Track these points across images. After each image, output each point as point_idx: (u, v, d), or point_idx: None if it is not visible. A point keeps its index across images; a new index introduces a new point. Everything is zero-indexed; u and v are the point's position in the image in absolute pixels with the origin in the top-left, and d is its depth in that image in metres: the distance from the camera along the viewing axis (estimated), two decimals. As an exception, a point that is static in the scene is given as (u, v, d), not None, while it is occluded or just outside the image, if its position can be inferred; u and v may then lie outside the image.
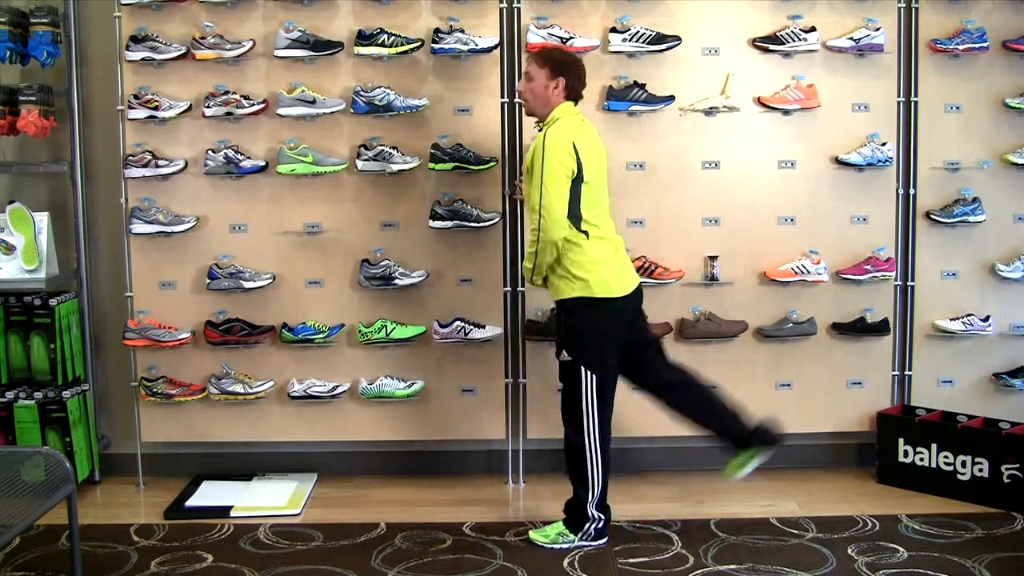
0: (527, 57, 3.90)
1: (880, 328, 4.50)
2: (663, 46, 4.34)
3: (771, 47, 4.38)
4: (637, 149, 4.43)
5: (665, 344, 4.14)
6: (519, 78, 4.33)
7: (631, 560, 3.66)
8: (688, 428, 3.93)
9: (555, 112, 3.72)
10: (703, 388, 3.94)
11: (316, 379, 4.45)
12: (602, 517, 3.77)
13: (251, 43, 4.31)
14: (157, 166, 4.33)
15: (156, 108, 4.31)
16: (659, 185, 4.45)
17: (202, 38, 4.30)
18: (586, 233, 3.64)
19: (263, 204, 4.43)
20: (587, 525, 3.76)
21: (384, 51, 4.28)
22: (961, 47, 4.38)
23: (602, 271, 3.66)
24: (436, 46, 4.29)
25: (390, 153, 4.31)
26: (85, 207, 4.51)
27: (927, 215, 4.49)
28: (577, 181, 3.61)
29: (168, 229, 4.35)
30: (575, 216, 3.62)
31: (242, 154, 4.35)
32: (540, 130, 3.76)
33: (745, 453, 3.80)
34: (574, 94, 3.76)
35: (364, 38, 4.29)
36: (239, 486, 4.44)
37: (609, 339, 3.71)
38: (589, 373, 3.66)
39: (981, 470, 4.18)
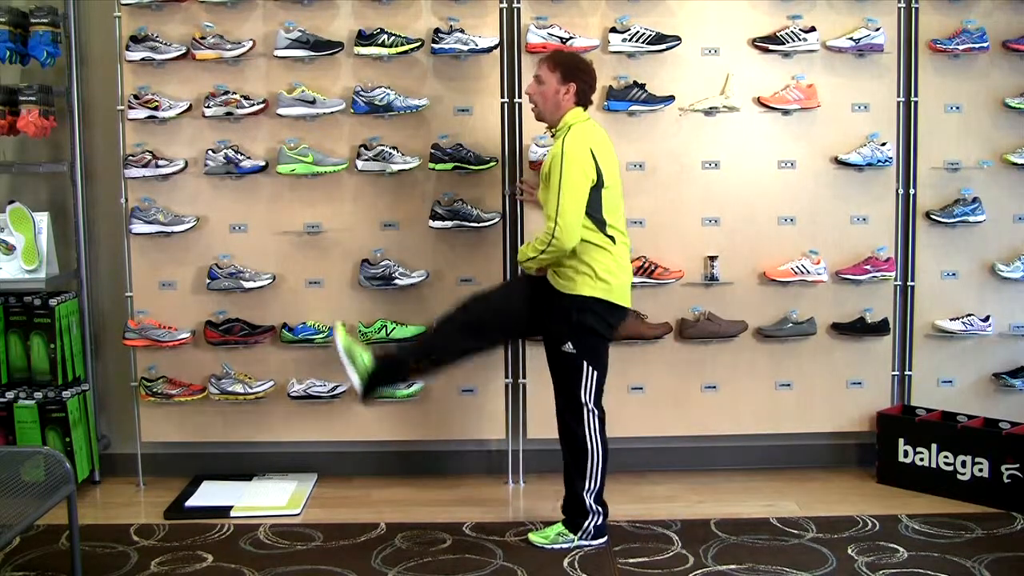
0: (539, 59, 3.88)
1: (880, 328, 4.50)
2: (663, 46, 4.34)
3: (771, 47, 4.38)
4: (637, 149, 4.43)
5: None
6: (519, 78, 4.33)
7: (631, 560, 3.66)
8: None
9: (567, 118, 3.71)
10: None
11: (316, 379, 4.45)
12: (600, 511, 3.78)
13: (251, 43, 4.31)
14: (157, 166, 4.33)
15: (156, 108, 4.31)
16: (659, 185, 4.45)
17: (202, 38, 4.30)
18: (612, 238, 3.67)
19: (263, 204, 4.43)
20: (586, 522, 3.76)
21: (384, 51, 4.28)
22: (961, 47, 4.38)
23: (624, 279, 3.72)
24: (436, 46, 4.29)
25: (390, 153, 4.31)
26: (85, 207, 4.51)
27: (927, 215, 4.49)
28: (598, 187, 3.62)
29: (168, 229, 4.35)
30: (599, 221, 3.64)
31: (242, 154, 4.35)
32: (553, 136, 3.76)
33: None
34: (584, 100, 3.76)
35: (364, 38, 4.29)
36: (239, 486, 4.44)
37: (608, 341, 3.77)
38: (591, 369, 3.69)
39: (981, 470, 4.18)
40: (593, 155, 3.61)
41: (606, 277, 3.65)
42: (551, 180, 3.61)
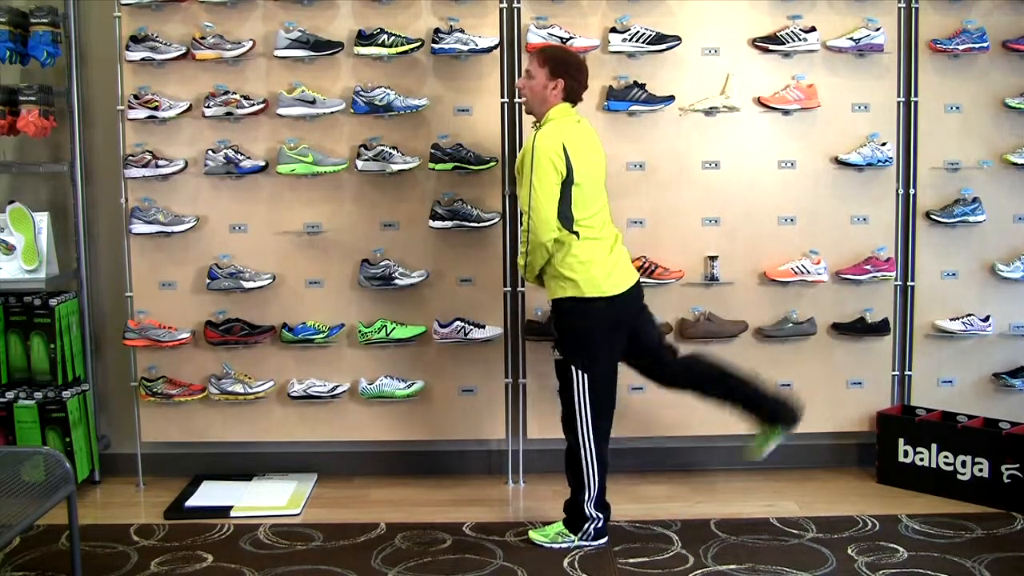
0: (530, 54, 3.89)
1: (880, 328, 4.50)
2: (663, 46, 4.34)
3: (771, 47, 4.38)
4: (637, 149, 4.43)
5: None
6: (519, 78, 4.33)
7: (631, 560, 3.66)
8: (720, 408, 3.97)
9: (550, 113, 3.71)
10: (715, 365, 3.98)
11: (316, 379, 4.45)
12: (601, 516, 3.77)
13: (251, 43, 4.31)
14: (157, 166, 4.33)
15: (156, 108, 4.31)
16: (659, 185, 4.45)
17: (202, 38, 4.30)
18: (577, 234, 3.64)
19: (263, 204, 4.43)
20: (586, 525, 3.76)
21: (384, 51, 4.28)
22: (961, 47, 4.38)
23: (592, 271, 3.65)
24: (436, 46, 4.29)
25: (390, 153, 4.31)
26: (85, 207, 4.51)
27: (927, 215, 4.49)
28: (567, 183, 3.61)
29: (168, 229, 4.35)
30: (566, 218, 3.62)
31: (242, 154, 4.35)
32: (536, 130, 3.77)
33: (770, 431, 3.87)
34: (573, 96, 3.75)
35: (364, 38, 4.29)
36: (239, 486, 4.44)
37: (601, 339, 3.70)
38: (580, 373, 3.67)
39: (981, 470, 4.18)
40: (565, 150, 3.59)
41: (570, 275, 3.64)
42: (523, 174, 3.62)
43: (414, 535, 3.91)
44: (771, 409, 3.87)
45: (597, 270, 3.66)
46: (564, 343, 3.71)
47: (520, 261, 3.74)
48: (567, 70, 3.72)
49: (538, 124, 3.76)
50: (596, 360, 3.70)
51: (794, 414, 3.88)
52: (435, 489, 4.46)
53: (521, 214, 3.66)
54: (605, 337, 3.70)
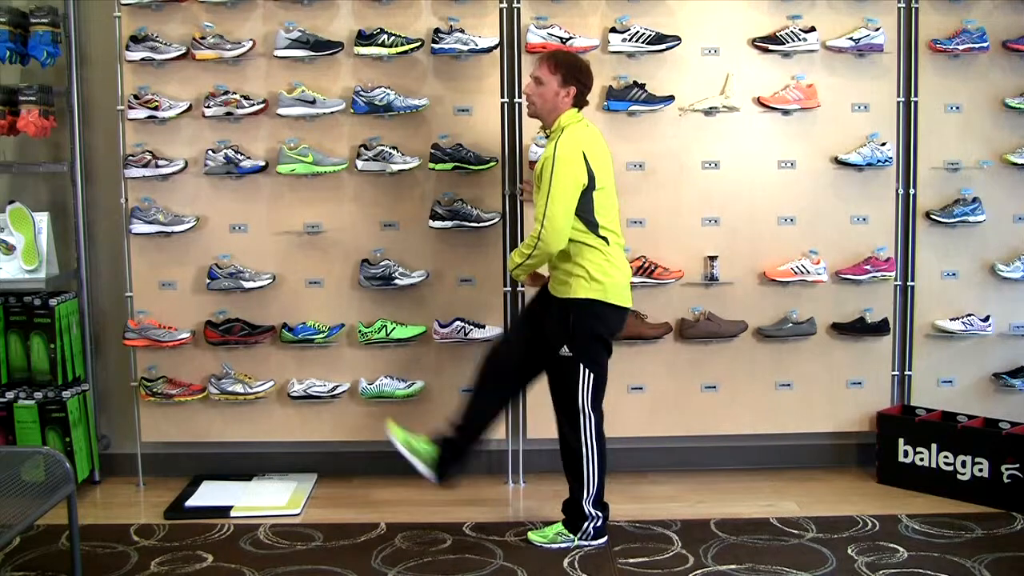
0: (537, 59, 3.86)
1: (880, 328, 4.50)
2: (663, 46, 4.34)
3: (771, 47, 4.39)
4: (637, 149, 4.43)
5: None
6: (519, 78, 4.33)
7: (631, 560, 3.66)
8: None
9: (561, 119, 3.71)
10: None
11: (316, 379, 4.45)
12: (600, 515, 3.78)
13: (251, 43, 4.31)
14: (157, 166, 4.33)
15: (156, 108, 4.31)
16: (659, 185, 4.46)
17: (202, 38, 4.30)
18: (605, 239, 3.66)
19: (263, 204, 4.43)
20: (586, 524, 3.76)
21: (384, 51, 4.28)
22: (961, 47, 4.39)
23: (619, 278, 3.70)
24: (436, 46, 4.29)
25: (390, 153, 4.32)
26: (85, 207, 4.51)
27: (927, 215, 4.49)
28: (590, 189, 3.62)
29: (168, 229, 4.35)
30: (591, 223, 3.63)
31: (242, 154, 4.35)
32: (547, 136, 3.76)
33: (430, 452, 3.91)
34: (581, 102, 3.76)
35: (364, 38, 4.29)
36: (239, 486, 4.44)
37: (607, 344, 3.76)
38: (588, 372, 3.68)
39: (981, 470, 4.18)
40: (585, 157, 3.60)
41: (600, 277, 3.64)
42: (542, 182, 3.62)
43: (414, 535, 3.91)
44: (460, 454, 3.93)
45: (623, 279, 3.72)
46: (578, 342, 3.69)
47: (515, 259, 3.72)
48: (579, 76, 3.73)
49: (548, 131, 3.76)
50: (602, 361, 3.74)
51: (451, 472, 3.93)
52: (435, 489, 4.44)
53: (535, 220, 3.64)
54: (609, 342, 3.76)
